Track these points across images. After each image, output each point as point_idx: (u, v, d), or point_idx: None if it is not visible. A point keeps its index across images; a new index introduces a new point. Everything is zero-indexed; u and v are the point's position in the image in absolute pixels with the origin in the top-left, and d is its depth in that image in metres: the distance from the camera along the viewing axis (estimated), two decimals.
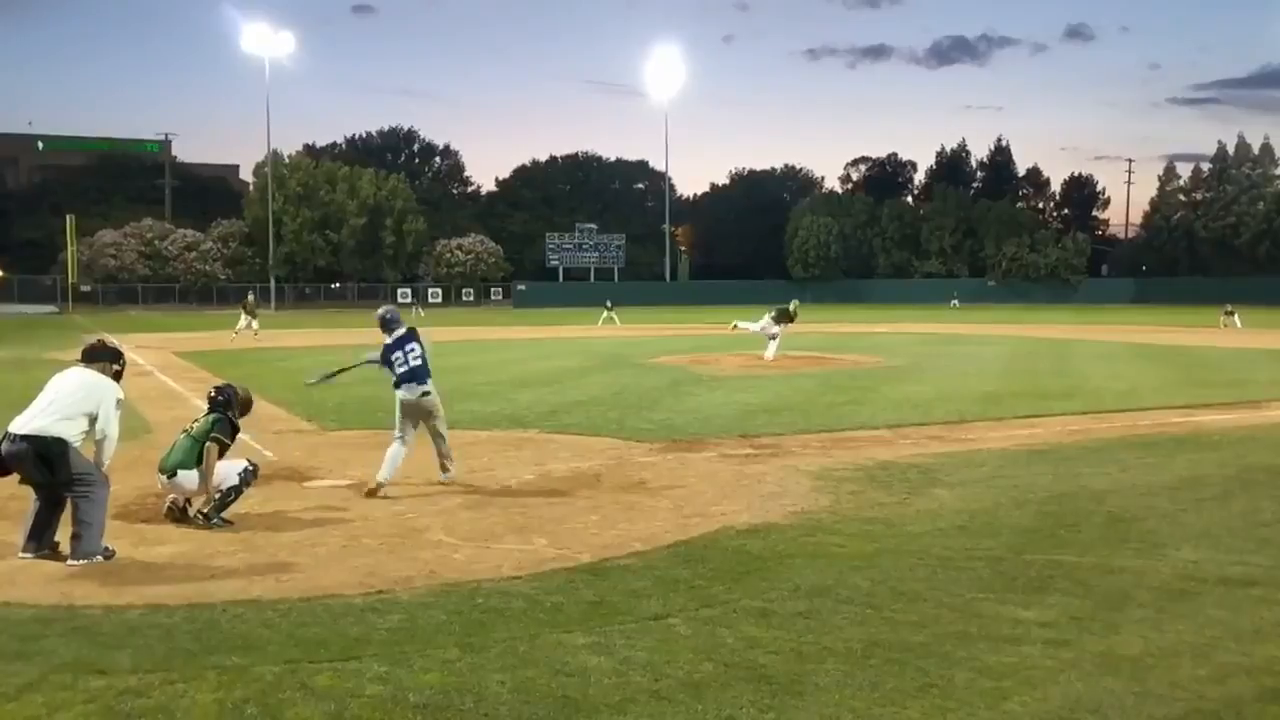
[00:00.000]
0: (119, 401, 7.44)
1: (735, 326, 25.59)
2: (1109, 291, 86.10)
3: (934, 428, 13.74)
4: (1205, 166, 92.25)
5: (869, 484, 9.81)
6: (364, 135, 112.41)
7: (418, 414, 9.92)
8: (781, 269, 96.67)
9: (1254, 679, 4.90)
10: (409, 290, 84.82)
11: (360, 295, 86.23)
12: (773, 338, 24.36)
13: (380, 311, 10.41)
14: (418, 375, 9.85)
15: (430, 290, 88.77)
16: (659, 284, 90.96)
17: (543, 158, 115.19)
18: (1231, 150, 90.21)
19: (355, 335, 39.32)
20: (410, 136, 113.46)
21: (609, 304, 52.34)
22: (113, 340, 8.91)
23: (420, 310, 65.92)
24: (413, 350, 9.91)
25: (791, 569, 6.85)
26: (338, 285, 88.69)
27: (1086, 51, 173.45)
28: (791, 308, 25.08)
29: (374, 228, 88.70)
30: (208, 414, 8.74)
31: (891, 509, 8.72)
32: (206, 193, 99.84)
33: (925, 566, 6.91)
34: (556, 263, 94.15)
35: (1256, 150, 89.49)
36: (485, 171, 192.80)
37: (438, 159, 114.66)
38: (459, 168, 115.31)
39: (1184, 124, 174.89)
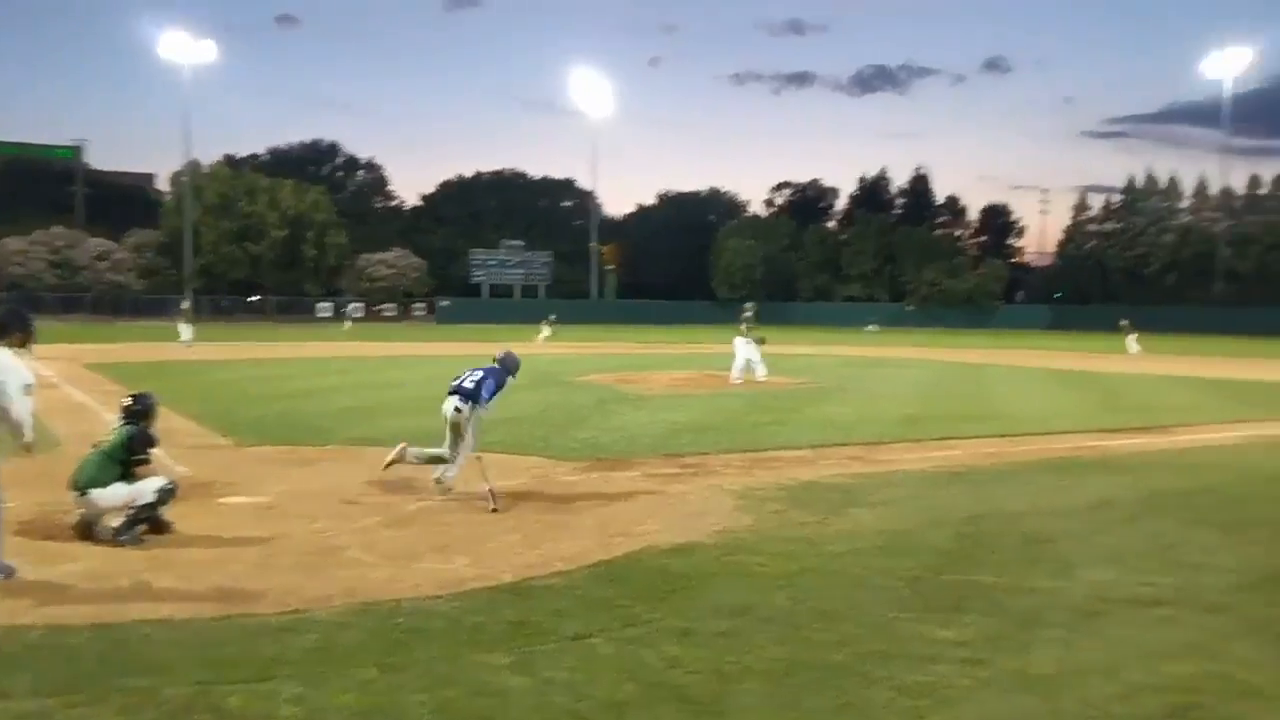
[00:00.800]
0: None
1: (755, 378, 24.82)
2: (1024, 317, 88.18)
3: (855, 448, 13.91)
4: (1116, 198, 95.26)
5: (791, 504, 9.89)
6: (286, 147, 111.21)
7: (449, 425, 10.47)
8: (707, 290, 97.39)
9: (1160, 696, 5.03)
10: (337, 305, 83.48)
11: (279, 309, 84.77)
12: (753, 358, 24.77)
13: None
14: (459, 390, 10.59)
15: (352, 305, 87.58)
16: (586, 302, 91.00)
17: (469, 173, 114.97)
18: (1140, 183, 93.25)
19: (275, 349, 38.67)
20: (333, 149, 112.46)
21: (552, 318, 52.16)
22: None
23: (348, 323, 65.13)
24: (474, 374, 10.77)
25: (714, 588, 6.88)
26: (256, 298, 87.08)
27: (1004, 83, 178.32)
28: (746, 321, 25.29)
29: (295, 240, 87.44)
30: (120, 426, 8.49)
31: (813, 528, 8.80)
32: (121, 201, 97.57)
33: (845, 586, 6.98)
34: (481, 279, 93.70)
35: (1163, 183, 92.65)
36: (410, 186, 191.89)
37: (361, 172, 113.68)
38: (383, 181, 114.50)
39: (1096, 156, 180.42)
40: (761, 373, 24.68)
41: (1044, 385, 26.13)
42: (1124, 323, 45.87)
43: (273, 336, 51.33)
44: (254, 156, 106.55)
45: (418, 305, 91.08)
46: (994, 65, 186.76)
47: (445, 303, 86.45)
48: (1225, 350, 46.88)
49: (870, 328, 75.88)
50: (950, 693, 5.02)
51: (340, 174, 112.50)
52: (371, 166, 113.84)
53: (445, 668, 5.25)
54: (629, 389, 22.77)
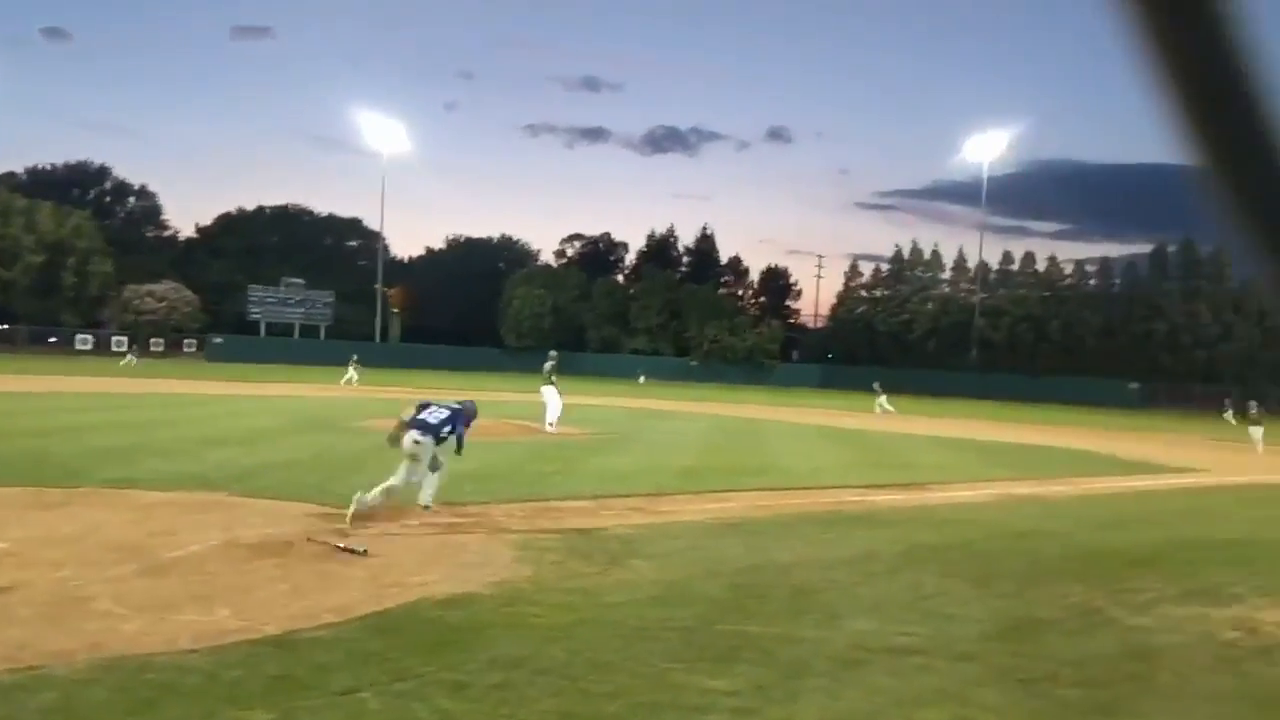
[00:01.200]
0: None
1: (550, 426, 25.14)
2: (799, 376, 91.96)
3: (636, 499, 14.08)
4: (884, 267, 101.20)
5: (570, 554, 9.89)
6: (47, 167, 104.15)
7: (409, 455, 11.40)
8: (495, 337, 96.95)
9: None
10: (100, 338, 78.17)
11: (33, 339, 78.73)
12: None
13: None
14: (421, 425, 11.59)
15: (115, 338, 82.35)
16: (369, 344, 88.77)
17: (250, 207, 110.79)
18: (907, 254, 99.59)
19: (25, 382, 35.83)
20: (102, 173, 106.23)
21: (355, 359, 50.80)
22: None
23: (131, 358, 61.22)
24: (439, 412, 11.95)
25: (489, 640, 6.77)
26: (6, 327, 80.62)
27: (785, 152, 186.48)
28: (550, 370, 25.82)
29: (53, 267, 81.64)
30: None
31: (591, 579, 8.82)
32: None
33: (621, 637, 7.01)
34: (259, 316, 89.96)
35: (927, 255, 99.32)
36: (186, 216, 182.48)
37: (132, 199, 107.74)
38: (156, 210, 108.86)
39: (867, 226, 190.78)
40: (552, 421, 24.97)
41: (814, 441, 27.26)
42: (876, 385, 49.47)
43: (24, 369, 47.57)
44: (11, 175, 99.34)
45: (188, 341, 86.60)
46: (777, 134, 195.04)
47: (218, 339, 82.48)
48: (978, 413, 50.29)
49: (640, 379, 77.07)
50: None
51: (109, 199, 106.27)
52: (144, 193, 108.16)
53: None
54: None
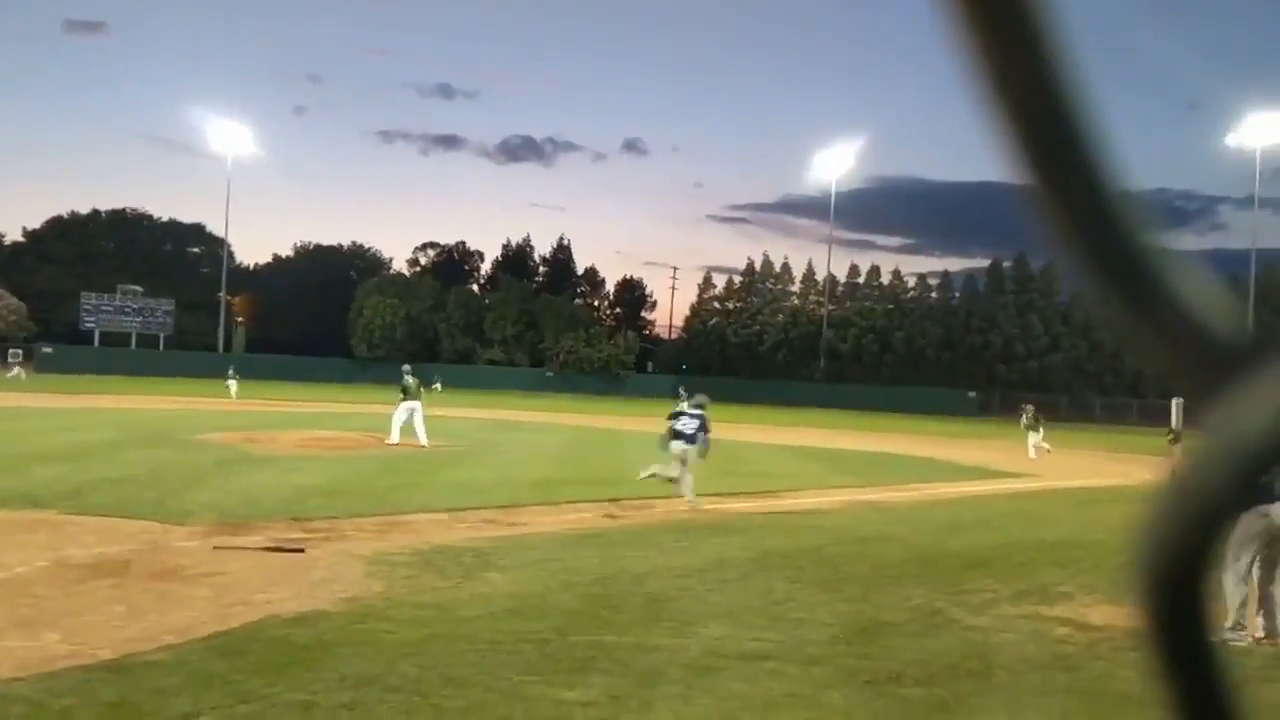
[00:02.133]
0: None
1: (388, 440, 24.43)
2: (653, 386, 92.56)
3: (490, 511, 13.96)
4: (737, 279, 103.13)
5: (424, 568, 9.74)
6: None
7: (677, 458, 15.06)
8: (345, 347, 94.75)
9: None
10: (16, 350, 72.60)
11: None
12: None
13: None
14: (682, 436, 15.17)
15: (11, 350, 77.10)
16: (211, 355, 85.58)
17: (84, 210, 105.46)
18: (758, 266, 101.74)
19: None
20: None
21: (231, 371, 49.30)
22: None
23: (17, 369, 57.44)
24: (690, 423, 15.37)
25: (339, 658, 6.60)
26: None
27: (641, 164, 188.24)
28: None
29: None
30: None
31: (445, 593, 8.70)
32: None
33: (475, 651, 6.94)
34: (92, 325, 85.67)
35: (778, 268, 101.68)
36: (12, 220, 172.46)
37: None
38: None
39: (720, 239, 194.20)
40: (395, 438, 24.35)
41: None
42: (681, 390, 50.58)
43: None
44: None
45: (14, 351, 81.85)
46: (632, 146, 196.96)
47: (48, 349, 78.19)
48: (826, 422, 51.68)
49: (436, 387, 74.04)
50: None
51: None
52: None
53: None
54: (254, 448, 21.60)
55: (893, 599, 9.44)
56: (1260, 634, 8.12)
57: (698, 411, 15.53)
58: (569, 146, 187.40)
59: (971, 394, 78.78)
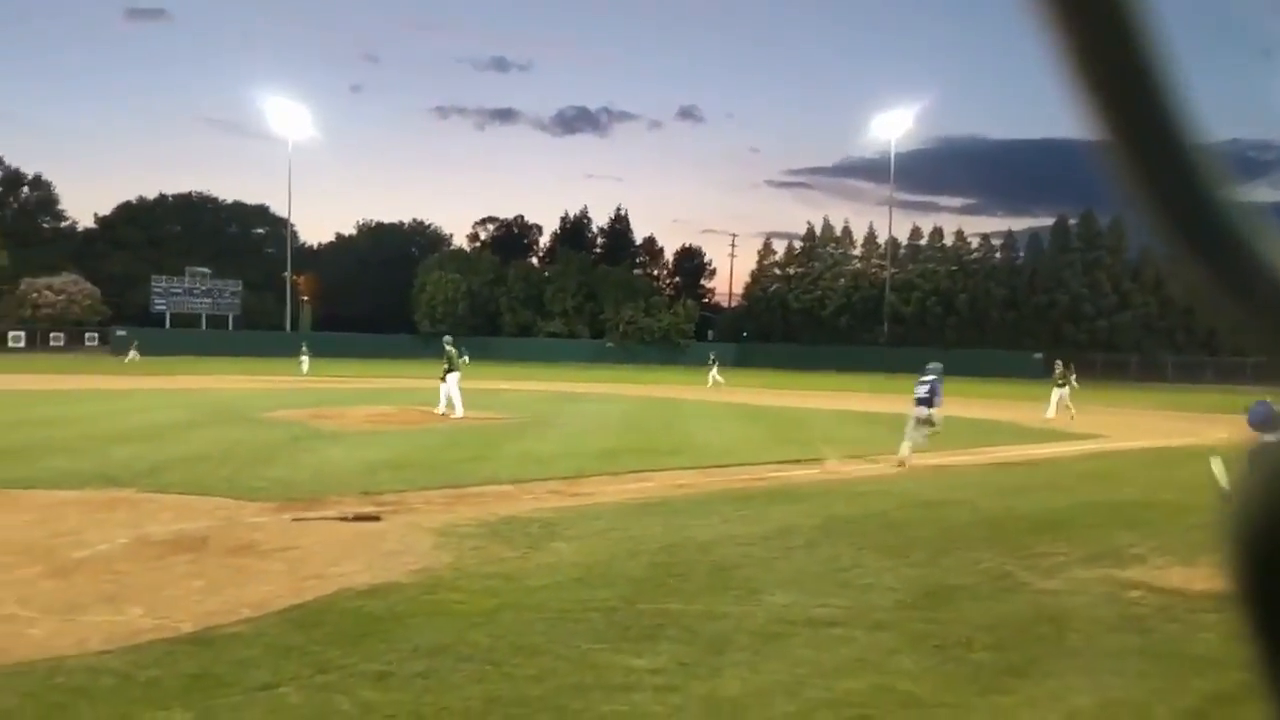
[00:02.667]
0: None
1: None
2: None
3: (554, 482, 14.07)
4: (797, 244, 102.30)
5: (491, 539, 9.86)
6: None
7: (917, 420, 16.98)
8: (408, 323, 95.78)
9: (835, 711, 5.38)
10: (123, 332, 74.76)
11: None
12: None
13: None
14: (922, 400, 16.95)
15: (12, 334, 79.50)
16: (279, 334, 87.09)
17: (151, 195, 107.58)
18: (819, 231, 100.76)
19: None
20: None
21: (304, 348, 50.98)
22: None
23: (133, 354, 59.17)
24: (924, 387, 17.13)
25: (411, 628, 6.72)
26: None
27: (697, 131, 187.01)
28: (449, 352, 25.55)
29: None
30: None
31: (513, 563, 8.80)
32: None
33: (544, 620, 7.02)
34: (163, 308, 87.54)
35: (839, 232, 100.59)
36: (84, 207, 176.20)
37: (25, 189, 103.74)
38: (51, 200, 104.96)
39: (779, 204, 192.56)
40: (446, 408, 24.86)
41: (731, 419, 27.51)
42: (712, 357, 50.78)
43: None
44: None
45: (90, 335, 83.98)
46: (688, 114, 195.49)
47: (122, 332, 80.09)
48: (889, 387, 51.19)
49: (464, 359, 72.47)
50: None
51: (1, 190, 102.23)
52: (39, 183, 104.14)
53: None
54: (323, 425, 21.97)
55: (961, 563, 9.37)
56: None
57: (931, 378, 17.16)
58: (624, 116, 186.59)
59: (1037, 355, 77.41)
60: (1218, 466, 8.15)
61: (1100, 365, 73.37)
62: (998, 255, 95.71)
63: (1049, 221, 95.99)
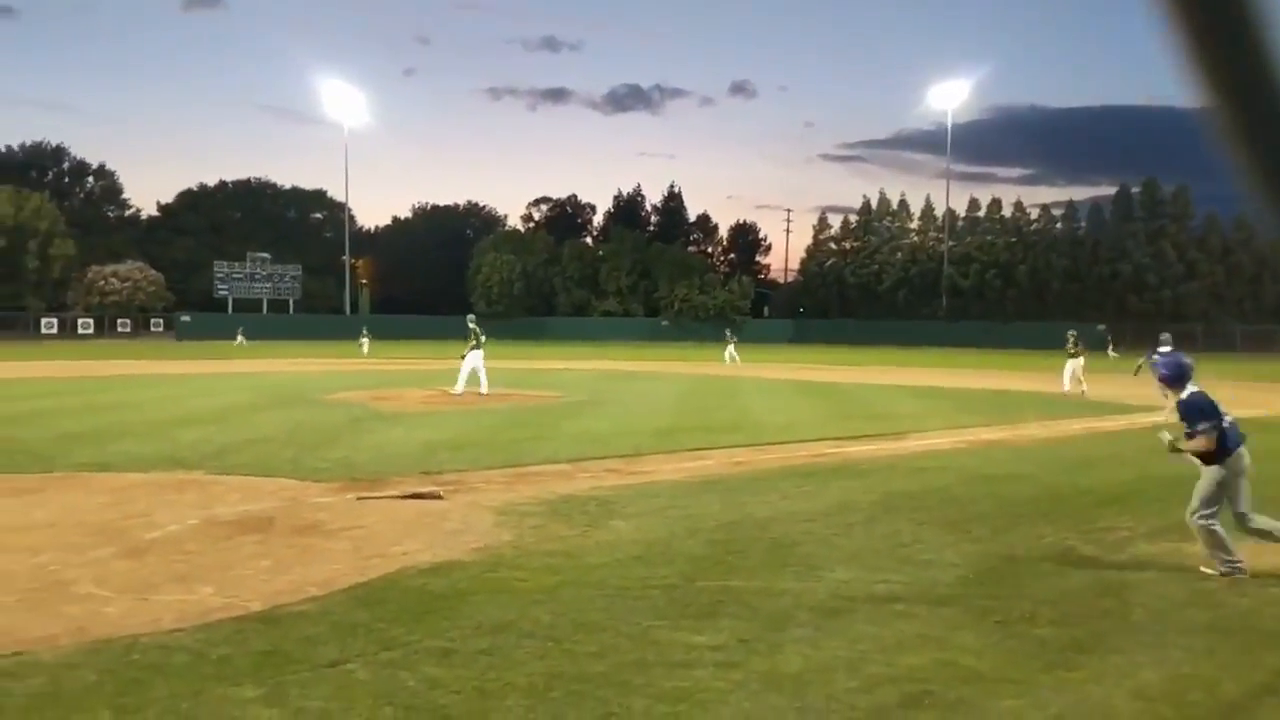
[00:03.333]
0: None
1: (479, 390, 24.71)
2: (770, 331, 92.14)
3: (612, 461, 14.13)
4: (853, 218, 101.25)
5: (551, 517, 9.93)
6: (2, 150, 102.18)
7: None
8: (465, 304, 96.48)
9: (897, 687, 5.37)
10: (64, 320, 77.06)
11: None
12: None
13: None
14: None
15: (80, 320, 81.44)
16: (338, 317, 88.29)
17: (212, 182, 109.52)
18: (875, 205, 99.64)
19: None
20: (59, 153, 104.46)
21: (365, 331, 52.30)
22: None
23: (241, 340, 60.55)
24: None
25: (474, 606, 6.81)
26: None
27: (749, 107, 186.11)
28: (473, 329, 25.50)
29: (14, 251, 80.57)
30: None
31: (572, 541, 8.87)
32: None
33: (605, 597, 7.07)
34: (226, 293, 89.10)
35: (895, 205, 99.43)
36: (147, 195, 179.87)
37: (90, 179, 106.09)
38: (115, 189, 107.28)
39: (834, 178, 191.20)
40: (483, 385, 24.74)
41: (788, 395, 27.41)
42: (728, 332, 50.30)
43: None
44: None
45: (155, 320, 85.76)
46: (740, 89, 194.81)
47: (186, 318, 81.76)
48: (949, 361, 50.69)
49: (239, 341, 66.26)
50: (706, 696, 5.17)
51: (67, 180, 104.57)
52: (103, 173, 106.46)
53: (188, 705, 4.96)
54: (383, 406, 22.26)
55: (1023, 538, 9.27)
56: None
57: (1166, 349, 17.45)
58: (676, 93, 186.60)
59: (1100, 327, 76.02)
60: (1164, 435, 8.39)
61: None
62: (1058, 226, 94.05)
63: (1111, 190, 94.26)
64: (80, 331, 79.78)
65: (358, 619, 6.50)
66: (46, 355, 49.59)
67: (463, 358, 25.24)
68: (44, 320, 79.82)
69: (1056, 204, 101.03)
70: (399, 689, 5.22)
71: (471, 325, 25.83)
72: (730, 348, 47.32)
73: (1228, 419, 8.13)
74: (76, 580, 7.45)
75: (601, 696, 5.14)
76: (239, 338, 50.68)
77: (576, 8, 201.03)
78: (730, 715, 4.96)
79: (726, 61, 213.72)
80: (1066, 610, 6.90)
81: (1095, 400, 26.11)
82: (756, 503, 10.90)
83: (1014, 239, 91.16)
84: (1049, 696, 5.31)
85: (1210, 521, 7.94)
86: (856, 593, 7.26)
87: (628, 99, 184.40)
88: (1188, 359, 9.32)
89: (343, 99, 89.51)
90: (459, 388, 24.64)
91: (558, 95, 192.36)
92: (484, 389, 24.63)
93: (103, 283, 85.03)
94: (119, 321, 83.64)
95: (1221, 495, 8.05)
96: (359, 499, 10.83)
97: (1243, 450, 8.13)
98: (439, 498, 10.45)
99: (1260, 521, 8.05)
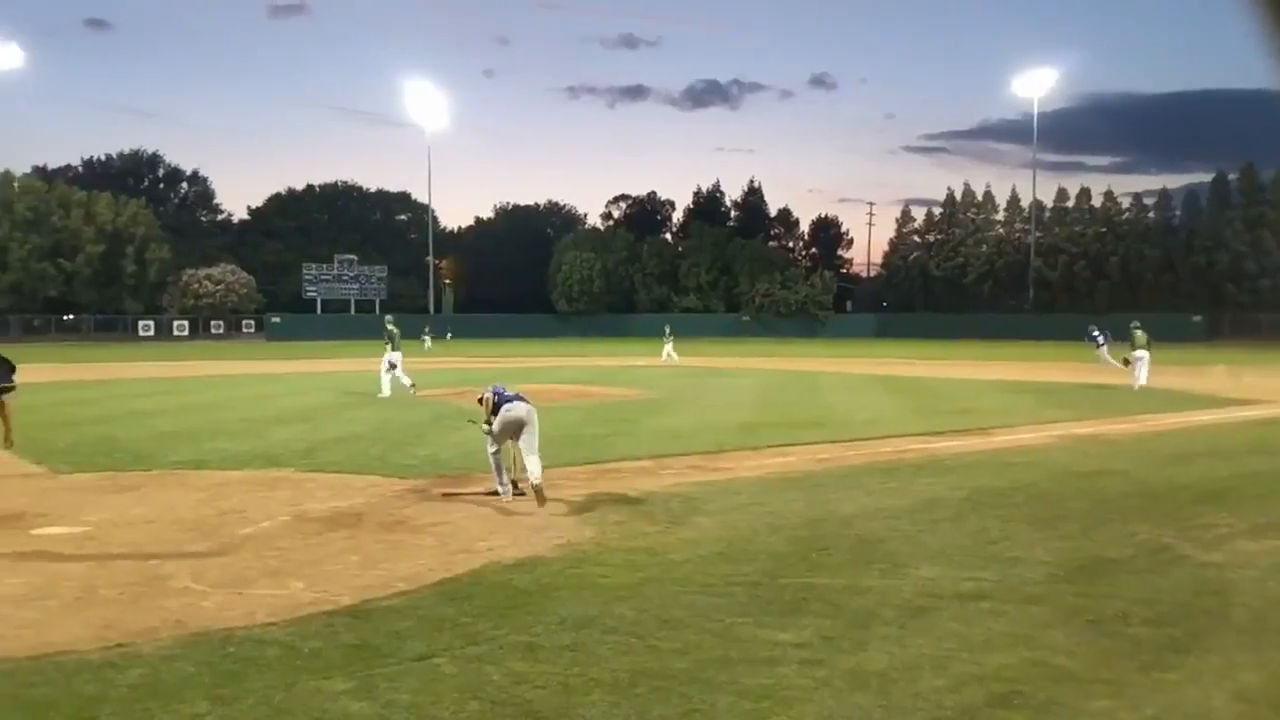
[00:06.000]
0: None
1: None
2: (853, 326, 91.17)
3: (694, 457, 14.12)
4: (936, 211, 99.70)
5: (633, 514, 9.96)
6: (102, 158, 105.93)
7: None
8: (546, 303, 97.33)
9: (985, 686, 5.27)
10: (160, 322, 79.64)
11: (97, 327, 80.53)
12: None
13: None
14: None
15: (176, 323, 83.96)
16: (423, 317, 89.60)
17: (299, 186, 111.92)
18: (959, 196, 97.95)
19: (92, 370, 36.67)
20: (154, 161, 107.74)
21: (426, 329, 53.24)
22: None
23: (428, 341, 60.98)
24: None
25: (558, 602, 6.86)
26: (71, 317, 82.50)
27: (829, 99, 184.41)
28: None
29: (113, 256, 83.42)
30: None
31: (655, 538, 8.88)
32: None
33: (688, 593, 7.07)
34: (314, 294, 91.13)
35: (979, 197, 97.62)
36: (237, 199, 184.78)
37: (184, 185, 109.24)
38: (208, 194, 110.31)
39: (917, 170, 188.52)
40: (387, 391, 24.18)
41: (872, 391, 27.10)
42: (667, 329, 48.79)
43: (90, 357, 48.68)
44: (68, 168, 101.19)
45: (247, 321, 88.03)
46: (820, 82, 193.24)
47: (276, 319, 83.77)
48: (1037, 355, 49.64)
49: (448, 336, 66.38)
50: (790, 694, 5.14)
51: (162, 186, 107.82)
52: (196, 179, 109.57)
53: (281, 697, 5.08)
54: (467, 404, 22.46)
55: (1116, 535, 9.04)
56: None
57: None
58: (755, 87, 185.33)
59: (1196, 318, 73.80)
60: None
61: (1265, 326, 69.43)
62: (1151, 215, 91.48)
63: (1207, 178, 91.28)
64: (175, 333, 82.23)
65: (444, 614, 6.59)
66: (144, 357, 51.18)
67: (389, 362, 24.84)
68: (141, 323, 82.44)
69: (1149, 192, 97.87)
70: (485, 683, 5.28)
71: (390, 328, 25.52)
72: (669, 345, 45.93)
73: None
74: (175, 575, 7.68)
75: (685, 693, 5.14)
76: (425, 340, 51.32)
77: (655, 4, 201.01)
78: (815, 713, 4.93)
79: (806, 54, 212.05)
80: (1162, 609, 6.72)
81: (1195, 392, 25.35)
82: (840, 499, 10.80)
83: (1104, 229, 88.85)
84: (1144, 698, 5.18)
85: None
86: (943, 590, 7.16)
87: (706, 94, 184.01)
88: None
89: (425, 101, 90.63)
90: (386, 391, 24.18)
91: (636, 92, 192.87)
92: (407, 381, 24.41)
93: (197, 286, 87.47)
94: (212, 323, 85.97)
95: None
96: (443, 496, 11.02)
97: None
98: (523, 494, 10.64)
99: None
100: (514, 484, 10.99)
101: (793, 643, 5.95)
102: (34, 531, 9.33)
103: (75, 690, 5.18)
